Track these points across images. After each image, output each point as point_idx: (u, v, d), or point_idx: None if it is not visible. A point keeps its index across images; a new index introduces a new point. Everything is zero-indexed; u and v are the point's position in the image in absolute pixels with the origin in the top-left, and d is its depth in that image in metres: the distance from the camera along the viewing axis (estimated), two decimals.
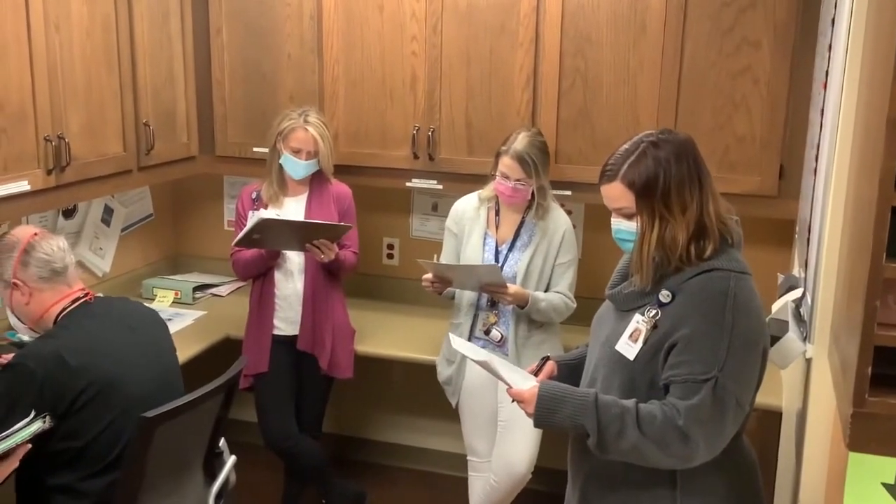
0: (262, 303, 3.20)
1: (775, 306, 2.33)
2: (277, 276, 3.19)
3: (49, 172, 2.76)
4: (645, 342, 1.84)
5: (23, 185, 2.66)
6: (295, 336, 3.20)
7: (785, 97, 2.98)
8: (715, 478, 1.87)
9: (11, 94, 2.61)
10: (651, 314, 1.85)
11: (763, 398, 2.81)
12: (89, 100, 2.95)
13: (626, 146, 1.88)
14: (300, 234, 3.03)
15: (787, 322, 2.17)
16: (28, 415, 2.09)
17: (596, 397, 1.83)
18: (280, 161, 3.12)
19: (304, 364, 3.25)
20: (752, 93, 3.01)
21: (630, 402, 1.82)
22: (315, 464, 3.38)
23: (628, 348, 1.87)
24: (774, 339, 2.10)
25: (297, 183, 3.18)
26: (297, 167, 3.10)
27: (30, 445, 1.69)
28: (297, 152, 3.08)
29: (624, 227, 1.88)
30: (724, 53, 3.01)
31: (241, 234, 3.03)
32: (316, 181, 3.19)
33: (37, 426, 1.70)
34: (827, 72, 2.28)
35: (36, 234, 2.37)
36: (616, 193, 1.86)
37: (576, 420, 1.83)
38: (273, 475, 3.54)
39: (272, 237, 3.04)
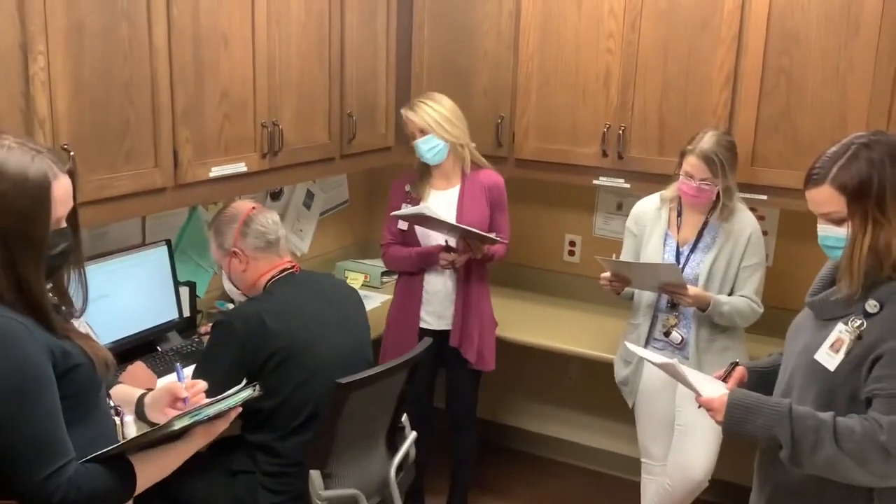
0: (410, 295, 3.23)
1: None
2: (427, 270, 3.21)
3: (263, 156, 2.99)
4: (847, 353, 1.77)
5: (240, 167, 2.90)
6: (439, 331, 3.21)
7: None
8: None
9: (236, 83, 2.85)
10: (856, 324, 1.78)
11: None
12: (301, 91, 3.16)
13: (834, 148, 1.81)
14: (454, 232, 3.09)
15: None
16: (230, 370, 2.29)
17: (790, 408, 1.79)
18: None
19: (449, 358, 3.26)
20: None
21: (827, 415, 1.76)
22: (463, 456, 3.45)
23: (829, 359, 1.80)
24: None
25: (445, 175, 3.20)
26: (420, 151, 3.12)
27: (241, 408, 1.85)
28: (412, 136, 3.13)
29: (832, 234, 1.81)
30: None
31: (401, 213, 3.10)
32: (468, 173, 3.20)
33: (247, 394, 1.85)
34: None
35: (254, 207, 2.59)
36: (824, 197, 1.80)
37: (768, 431, 1.80)
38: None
39: (429, 226, 3.12)
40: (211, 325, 2.61)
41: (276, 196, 3.76)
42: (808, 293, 1.96)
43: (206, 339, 2.76)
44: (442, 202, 3.19)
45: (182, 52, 2.61)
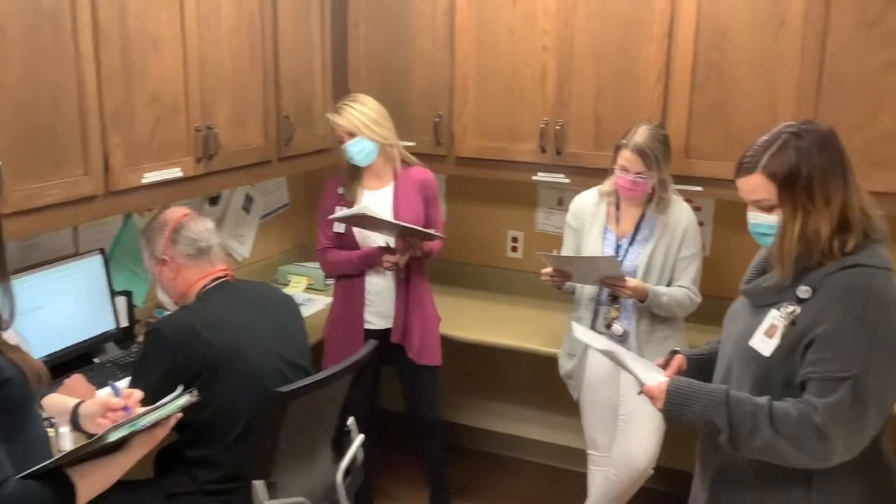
0: (352, 297, 3.21)
1: None
2: (368, 271, 3.20)
3: (198, 160, 2.93)
4: (782, 338, 1.81)
5: (175, 172, 2.84)
6: (385, 330, 3.21)
7: None
8: (851, 480, 1.82)
9: (166, 86, 2.79)
10: (789, 310, 1.81)
11: None
12: (235, 93, 3.11)
13: (765, 137, 1.85)
14: (394, 231, 3.09)
15: None
16: (162, 380, 2.24)
17: (727, 393, 1.82)
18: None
19: (399, 359, 3.26)
20: None
21: (763, 400, 1.79)
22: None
23: (763, 344, 1.84)
24: None
25: (377, 175, 3.19)
26: (349, 153, 3.11)
27: (181, 414, 1.82)
28: (341, 140, 3.12)
29: (763, 221, 1.85)
30: (868, 47, 2.88)
31: (339, 215, 3.09)
32: (399, 172, 3.19)
33: (184, 400, 1.81)
34: None
35: (186, 214, 2.54)
36: (755, 185, 1.83)
37: (707, 416, 1.82)
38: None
39: (367, 226, 3.11)
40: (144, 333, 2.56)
41: (213, 201, 3.70)
42: (743, 281, 1.99)
43: None
44: (376, 202, 3.17)
45: (109, 55, 2.55)
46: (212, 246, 2.53)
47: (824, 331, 1.75)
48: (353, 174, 3.20)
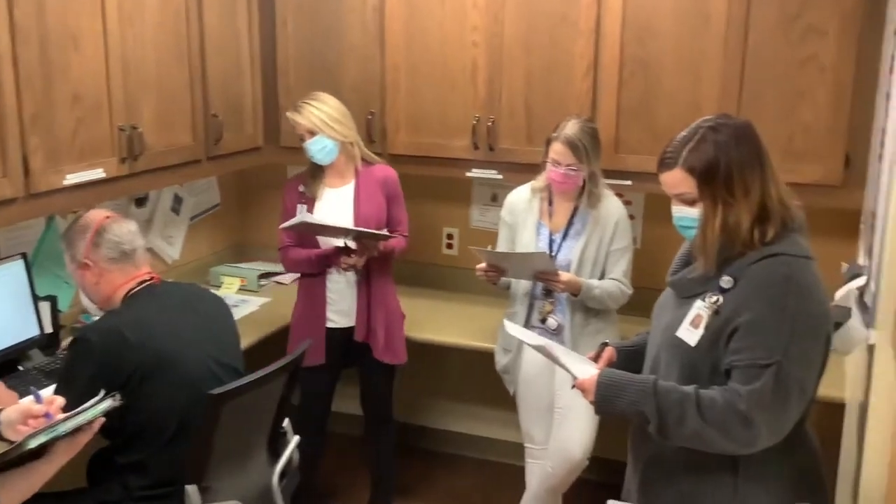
0: (314, 296, 3.21)
1: (839, 294, 2.30)
2: (329, 269, 3.19)
3: (123, 161, 2.87)
4: (706, 328, 1.84)
5: (98, 173, 2.77)
6: (348, 328, 3.21)
7: (851, 85, 2.92)
8: (777, 464, 1.86)
9: (88, 85, 2.72)
10: (713, 300, 1.84)
11: (826, 391, 2.77)
12: (161, 91, 3.05)
13: (684, 133, 1.88)
14: (348, 235, 3.08)
15: (850, 309, 2.15)
16: (89, 387, 2.19)
17: (655, 384, 1.84)
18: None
19: (359, 354, 3.26)
20: (818, 81, 2.96)
21: (690, 388, 1.82)
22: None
23: (689, 334, 1.87)
24: (838, 326, 2.08)
25: (338, 173, 3.18)
26: (310, 152, 3.10)
27: (104, 419, 1.78)
28: (301, 139, 3.11)
29: (686, 214, 1.88)
30: (789, 42, 2.96)
31: (286, 225, 3.07)
32: (360, 169, 3.19)
33: (107, 404, 1.78)
34: (893, 56, 2.24)
35: (108, 217, 2.47)
36: (676, 180, 1.85)
37: (636, 407, 1.85)
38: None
39: (318, 232, 3.11)
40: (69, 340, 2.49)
41: (140, 202, 3.62)
42: (669, 272, 2.03)
43: None
44: (338, 200, 3.17)
45: (28, 54, 2.47)
46: (136, 249, 2.46)
47: (747, 319, 1.78)
48: (315, 172, 3.19)
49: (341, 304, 3.22)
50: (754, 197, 1.82)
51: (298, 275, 3.35)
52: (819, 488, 1.94)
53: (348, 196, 3.17)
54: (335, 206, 3.14)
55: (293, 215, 3.14)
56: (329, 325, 3.22)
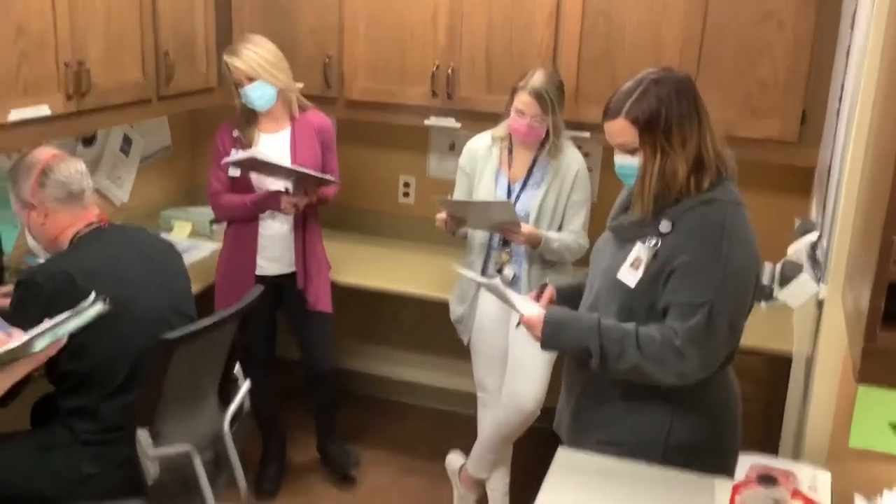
0: (244, 242, 3.15)
1: (791, 249, 2.33)
2: (262, 215, 3.13)
3: (69, 98, 2.77)
4: (645, 270, 1.94)
5: (43, 110, 2.67)
6: (276, 276, 3.17)
7: (810, 42, 2.93)
8: (702, 397, 1.99)
9: (32, 19, 2.60)
10: (652, 243, 1.95)
11: (774, 344, 2.86)
12: (109, 27, 2.94)
13: (628, 84, 1.96)
14: (289, 176, 3.03)
15: (801, 264, 2.19)
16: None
17: (599, 321, 1.95)
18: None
19: (291, 304, 3.23)
20: (777, 37, 2.96)
21: (630, 326, 1.94)
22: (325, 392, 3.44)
23: (630, 276, 1.97)
24: (788, 280, 2.13)
25: (274, 118, 3.11)
26: (249, 98, 3.02)
27: (43, 359, 1.83)
28: (239, 83, 3.02)
29: (627, 163, 1.97)
30: None
31: (233, 158, 2.99)
32: (296, 116, 3.13)
33: (98, 308, 1.80)
34: (854, 12, 2.25)
35: (55, 155, 2.38)
36: (619, 129, 1.94)
37: (580, 343, 1.96)
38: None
39: (261, 171, 3.04)
40: (14, 283, 2.42)
41: (88, 142, 3.51)
42: (609, 218, 2.13)
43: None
44: (273, 145, 3.10)
45: None
46: (84, 189, 2.39)
47: (684, 262, 1.89)
48: (249, 117, 3.11)
49: (273, 250, 3.17)
50: (691, 148, 1.91)
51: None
52: (733, 426, 2.07)
53: (284, 142, 3.12)
54: (271, 153, 3.05)
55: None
56: (258, 272, 3.16)
